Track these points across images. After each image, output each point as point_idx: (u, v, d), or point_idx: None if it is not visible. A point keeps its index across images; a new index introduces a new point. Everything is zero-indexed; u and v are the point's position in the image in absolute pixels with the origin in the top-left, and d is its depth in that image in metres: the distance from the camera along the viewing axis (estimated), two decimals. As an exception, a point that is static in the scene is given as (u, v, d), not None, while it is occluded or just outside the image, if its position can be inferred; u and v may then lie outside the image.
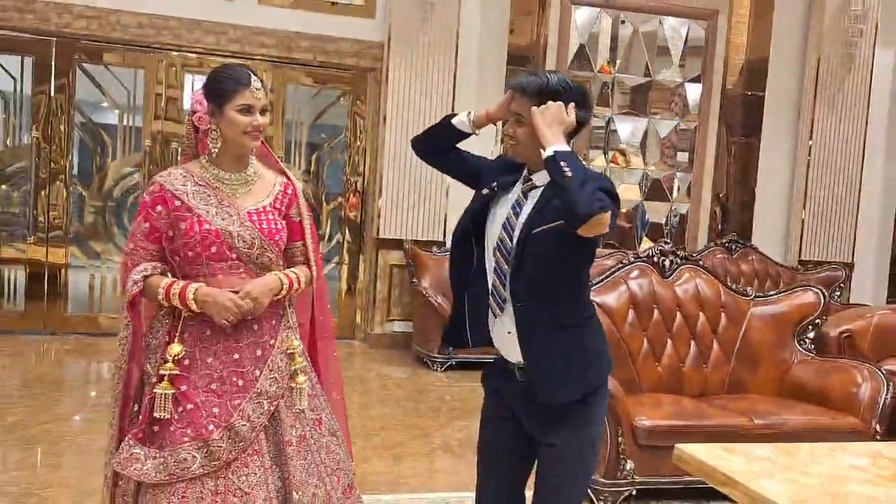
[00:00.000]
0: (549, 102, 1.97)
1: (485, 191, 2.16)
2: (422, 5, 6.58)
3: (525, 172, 2.17)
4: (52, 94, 6.31)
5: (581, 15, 7.18)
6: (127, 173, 6.65)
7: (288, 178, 2.23)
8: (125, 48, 6.43)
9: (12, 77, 6.36)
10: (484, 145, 6.34)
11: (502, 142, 2.21)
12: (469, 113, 2.19)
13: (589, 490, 3.52)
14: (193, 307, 1.99)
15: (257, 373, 2.05)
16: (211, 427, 1.98)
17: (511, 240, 2.06)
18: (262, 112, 2.07)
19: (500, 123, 2.28)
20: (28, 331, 6.26)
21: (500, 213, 2.14)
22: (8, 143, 6.46)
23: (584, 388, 2.09)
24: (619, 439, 3.49)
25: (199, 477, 1.96)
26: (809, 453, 2.98)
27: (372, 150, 6.93)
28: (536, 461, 2.15)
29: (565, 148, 1.93)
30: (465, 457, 4.08)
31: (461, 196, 7.26)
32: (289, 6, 6.64)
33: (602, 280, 4.18)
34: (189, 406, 2.00)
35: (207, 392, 2.01)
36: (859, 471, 2.83)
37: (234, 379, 2.04)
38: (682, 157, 7.62)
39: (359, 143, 6.99)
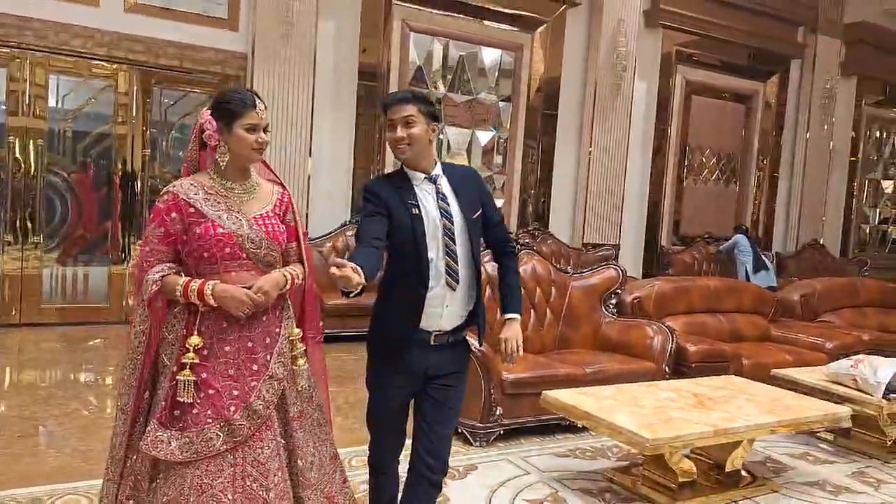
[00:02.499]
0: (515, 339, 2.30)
1: (414, 211, 2.18)
2: (282, 22, 6.39)
3: (420, 176, 2.22)
4: None
5: (417, 40, 7.34)
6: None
7: (283, 187, 2.20)
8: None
9: None
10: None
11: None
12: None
13: (466, 433, 3.75)
14: (211, 302, 1.94)
15: (268, 357, 2.03)
16: (232, 408, 1.95)
17: (452, 224, 2.19)
18: (265, 130, 2.05)
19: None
20: None
21: (427, 208, 2.19)
22: None
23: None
24: (492, 391, 3.74)
25: (220, 452, 1.92)
26: (636, 392, 3.47)
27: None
28: (435, 396, 2.25)
29: (517, 315, 2.33)
30: (356, 416, 4.13)
31: (321, 193, 7.13)
32: (155, 15, 6.17)
33: (462, 264, 4.41)
34: (210, 391, 1.95)
35: (226, 377, 1.97)
36: (671, 402, 3.34)
37: (249, 364, 2.00)
38: (498, 160, 8.03)
39: (223, 142, 6.66)
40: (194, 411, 1.93)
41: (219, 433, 1.92)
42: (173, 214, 1.99)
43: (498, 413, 3.76)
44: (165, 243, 2.00)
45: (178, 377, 1.93)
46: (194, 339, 1.95)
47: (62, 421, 3.80)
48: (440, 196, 2.23)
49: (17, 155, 5.87)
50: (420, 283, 2.17)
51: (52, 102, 6.26)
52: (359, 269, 1.86)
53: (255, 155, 2.05)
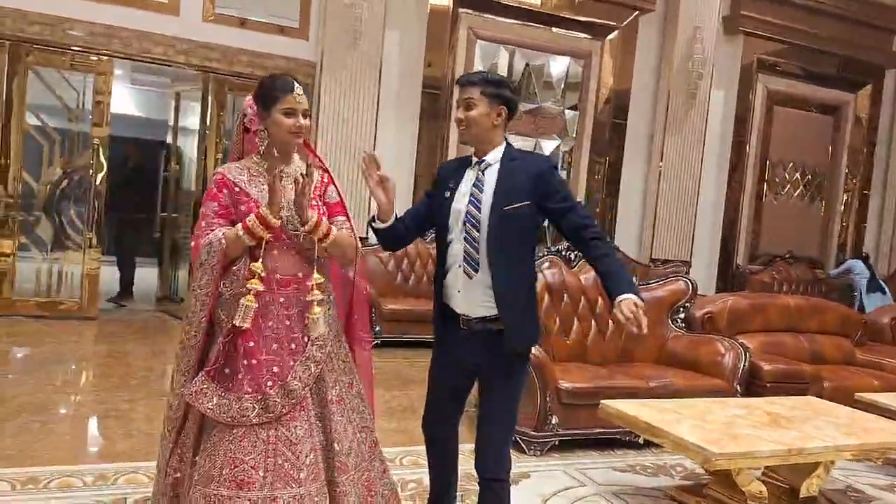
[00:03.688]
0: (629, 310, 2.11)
1: (447, 194, 2.27)
2: (350, 32, 6.54)
3: (473, 159, 2.28)
4: (4, 96, 5.78)
5: (483, 49, 7.37)
6: (74, 170, 6.18)
7: (325, 169, 2.26)
8: (78, 54, 5.98)
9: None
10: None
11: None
12: (373, 217, 2.30)
13: (520, 441, 3.68)
14: (272, 221, 1.97)
15: (306, 339, 2.08)
16: (269, 383, 2.00)
17: (479, 211, 2.19)
18: (304, 115, 2.10)
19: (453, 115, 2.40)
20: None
21: (461, 192, 2.25)
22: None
23: (532, 340, 2.31)
24: (547, 398, 3.67)
25: (254, 426, 1.98)
26: (702, 406, 3.30)
27: (303, 157, 6.82)
28: (483, 394, 2.31)
29: (626, 295, 2.13)
30: (408, 419, 4.13)
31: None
32: (231, 24, 6.43)
33: (521, 270, 4.36)
34: (254, 361, 2.01)
35: (269, 353, 2.04)
36: (742, 419, 3.16)
37: (287, 343, 2.06)
38: (562, 172, 7.92)
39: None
40: (238, 376, 2.01)
41: (254, 405, 1.99)
42: (224, 191, 2.09)
43: (554, 422, 3.67)
44: (220, 216, 2.08)
45: (241, 301, 1.97)
46: (258, 266, 2.00)
47: (133, 406, 4.00)
48: (476, 182, 2.24)
49: (102, 160, 6.20)
50: (441, 261, 2.29)
51: (132, 111, 6.63)
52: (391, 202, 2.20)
53: (293, 139, 2.10)
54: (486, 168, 2.25)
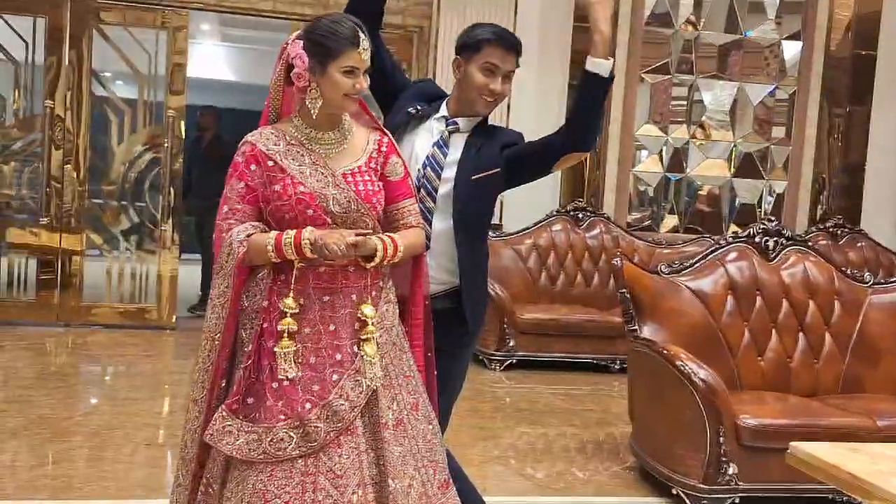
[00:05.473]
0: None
1: (411, 110, 2.53)
2: (477, -45, 6.67)
3: (446, 111, 2.54)
4: (66, 60, 6.49)
5: (660, -36, 7.25)
6: (146, 148, 6.81)
7: (383, 132, 2.33)
8: (146, 8, 6.61)
9: (24, 41, 6.54)
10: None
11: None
12: None
13: (683, 495, 3.63)
14: (308, 252, 2.05)
15: (355, 348, 2.14)
16: (308, 405, 2.07)
17: (438, 178, 2.46)
18: (365, 73, 2.17)
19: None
20: (39, 322, 6.50)
21: (418, 144, 2.52)
22: (19, 115, 6.68)
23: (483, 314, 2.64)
24: (721, 439, 3.56)
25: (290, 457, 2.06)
26: (947, 454, 3.02)
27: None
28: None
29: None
30: (539, 463, 4.17)
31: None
32: (327, -42, 6.79)
33: (695, 263, 4.24)
34: (285, 382, 2.09)
35: (305, 366, 2.11)
36: None
37: (331, 352, 2.12)
38: (779, 129, 7.62)
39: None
40: (267, 403, 2.08)
41: (291, 434, 2.05)
42: (252, 167, 2.16)
43: (730, 472, 3.55)
44: (246, 200, 2.16)
45: (275, 349, 2.08)
46: (289, 301, 2.09)
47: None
48: (439, 143, 2.47)
49: (181, 135, 6.78)
50: None
51: (217, 75, 7.19)
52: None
53: (349, 103, 2.19)
54: (453, 132, 2.50)
